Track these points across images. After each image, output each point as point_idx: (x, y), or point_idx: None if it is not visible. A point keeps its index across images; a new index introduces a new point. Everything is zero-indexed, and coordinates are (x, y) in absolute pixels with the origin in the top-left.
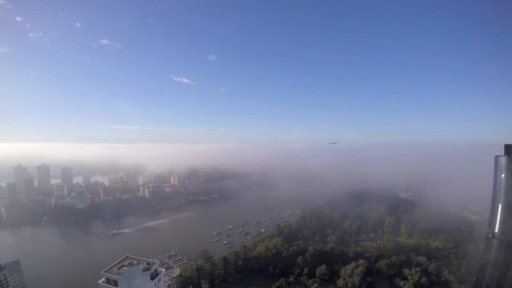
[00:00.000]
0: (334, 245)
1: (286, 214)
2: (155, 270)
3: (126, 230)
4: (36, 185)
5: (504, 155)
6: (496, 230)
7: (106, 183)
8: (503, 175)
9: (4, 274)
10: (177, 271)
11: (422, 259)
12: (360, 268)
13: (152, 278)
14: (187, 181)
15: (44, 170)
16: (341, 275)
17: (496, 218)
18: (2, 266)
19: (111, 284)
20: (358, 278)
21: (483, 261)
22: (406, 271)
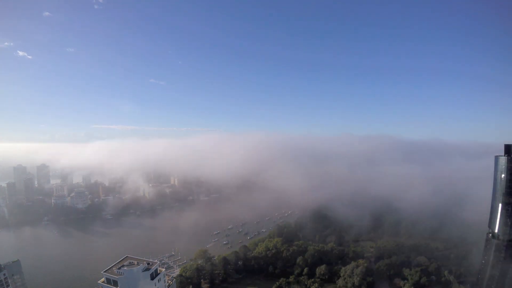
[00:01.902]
0: (334, 245)
1: (286, 214)
2: (155, 270)
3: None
4: (36, 185)
5: (504, 155)
6: (496, 230)
7: (106, 183)
8: (503, 175)
9: (4, 274)
10: (177, 271)
11: (422, 259)
12: (360, 268)
13: (152, 278)
14: (187, 181)
15: (44, 170)
16: (341, 275)
17: (496, 218)
18: (2, 266)
19: (111, 284)
20: (358, 278)
21: (483, 261)
22: (406, 271)
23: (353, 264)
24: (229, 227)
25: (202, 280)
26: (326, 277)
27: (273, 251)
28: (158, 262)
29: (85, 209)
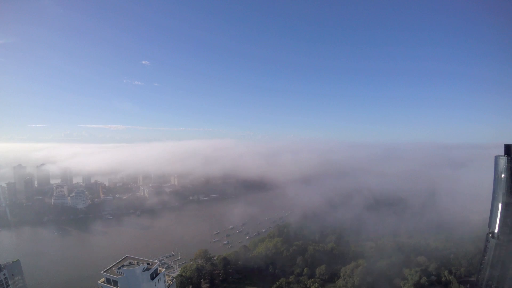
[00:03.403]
0: (334, 245)
1: (286, 214)
2: (155, 270)
3: None
4: (36, 185)
5: (504, 155)
6: (496, 230)
7: (106, 183)
8: (503, 175)
9: (4, 274)
10: (177, 271)
11: (422, 259)
12: (360, 268)
13: (152, 278)
14: (187, 181)
15: (44, 170)
16: (341, 275)
17: (496, 218)
18: (2, 266)
19: (111, 284)
20: (358, 278)
21: (483, 261)
22: (406, 271)
23: (353, 264)
24: (229, 227)
25: (202, 280)
26: (326, 277)
27: (273, 251)
28: (158, 262)
29: (85, 209)
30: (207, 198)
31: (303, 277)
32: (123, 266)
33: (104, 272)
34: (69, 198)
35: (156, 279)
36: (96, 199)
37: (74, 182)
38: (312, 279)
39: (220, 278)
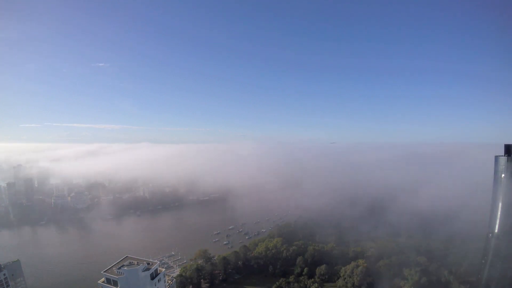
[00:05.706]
0: (334, 245)
1: (286, 214)
2: (155, 270)
3: None
4: (36, 185)
5: (504, 155)
6: (496, 230)
7: (106, 183)
8: (503, 175)
9: (4, 274)
10: (177, 271)
11: (422, 259)
12: (360, 268)
13: (152, 278)
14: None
15: (44, 170)
16: (341, 275)
17: (496, 218)
18: (2, 266)
19: (111, 284)
20: (358, 278)
21: (483, 261)
22: (406, 271)
23: (353, 264)
24: (230, 227)
25: (202, 280)
26: (326, 277)
27: (273, 251)
28: (158, 262)
29: (85, 209)
30: (207, 198)
31: (303, 277)
32: (123, 266)
33: (104, 272)
34: (69, 198)
35: (156, 279)
36: (96, 199)
37: (74, 182)
38: (312, 279)
39: (220, 278)
